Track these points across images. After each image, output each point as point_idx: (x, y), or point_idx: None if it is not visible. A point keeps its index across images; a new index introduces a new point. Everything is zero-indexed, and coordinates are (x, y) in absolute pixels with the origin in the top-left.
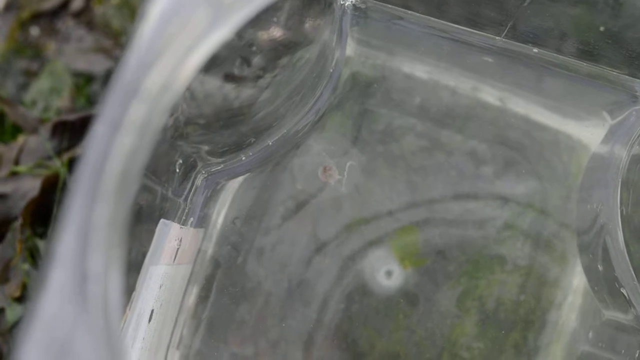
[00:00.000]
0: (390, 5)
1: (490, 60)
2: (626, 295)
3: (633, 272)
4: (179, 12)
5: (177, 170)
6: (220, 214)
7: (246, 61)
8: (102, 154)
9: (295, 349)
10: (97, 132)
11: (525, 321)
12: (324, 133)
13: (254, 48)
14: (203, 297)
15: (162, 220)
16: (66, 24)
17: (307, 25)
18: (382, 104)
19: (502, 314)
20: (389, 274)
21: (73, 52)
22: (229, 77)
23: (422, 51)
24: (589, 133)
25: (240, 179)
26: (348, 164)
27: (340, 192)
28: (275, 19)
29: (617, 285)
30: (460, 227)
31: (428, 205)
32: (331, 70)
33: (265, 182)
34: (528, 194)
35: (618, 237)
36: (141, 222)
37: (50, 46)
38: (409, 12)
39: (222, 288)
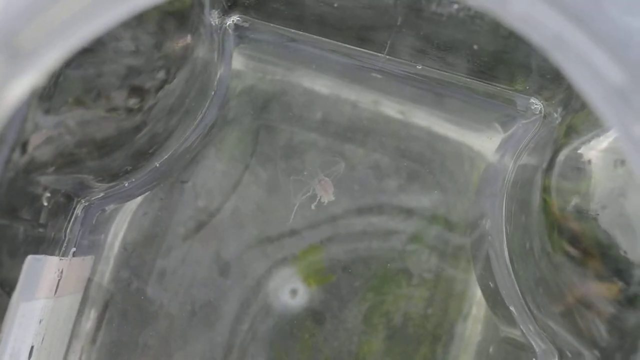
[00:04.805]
0: (278, 26)
1: (379, 76)
2: (513, 312)
3: (518, 290)
4: None
5: (46, 203)
6: (117, 238)
7: (108, 89)
8: None
9: None
10: None
11: (433, 335)
12: (222, 149)
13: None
14: (103, 322)
15: (30, 256)
16: None
17: (170, 47)
18: (283, 119)
19: (410, 329)
20: (293, 293)
21: None
22: (87, 105)
23: (319, 69)
24: (487, 144)
25: (139, 199)
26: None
27: (242, 209)
28: (123, 45)
29: (507, 303)
30: (364, 242)
31: (332, 222)
32: (215, 85)
33: (163, 202)
34: (432, 206)
35: (504, 253)
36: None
37: None
38: (296, 31)
39: (122, 312)
